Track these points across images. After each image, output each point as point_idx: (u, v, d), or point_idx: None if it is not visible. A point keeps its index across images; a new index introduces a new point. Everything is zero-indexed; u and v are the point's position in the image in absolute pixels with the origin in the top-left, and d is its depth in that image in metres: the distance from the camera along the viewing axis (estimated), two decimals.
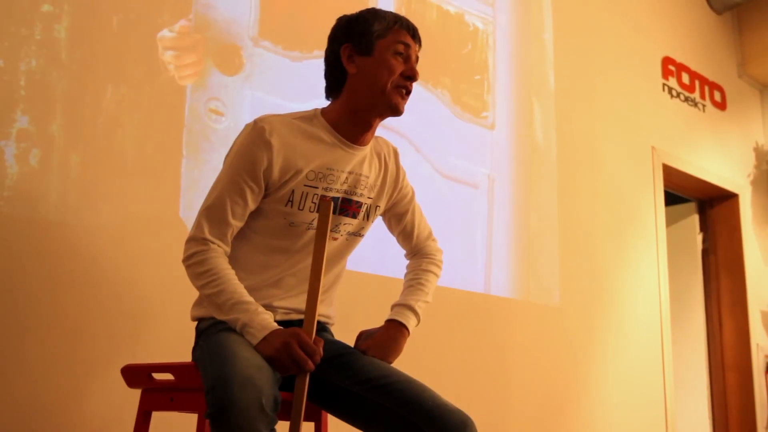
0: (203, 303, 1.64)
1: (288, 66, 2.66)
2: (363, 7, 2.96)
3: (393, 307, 1.76)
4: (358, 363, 1.61)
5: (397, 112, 1.65)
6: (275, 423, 1.32)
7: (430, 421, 1.51)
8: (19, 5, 2.08)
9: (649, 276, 4.18)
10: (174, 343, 1.95)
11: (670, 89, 4.67)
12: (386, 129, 2.98)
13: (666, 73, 4.66)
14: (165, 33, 2.38)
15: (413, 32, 1.69)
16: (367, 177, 1.70)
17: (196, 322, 1.67)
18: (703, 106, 4.93)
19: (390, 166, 1.77)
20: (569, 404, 3.54)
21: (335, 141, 1.65)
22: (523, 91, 3.63)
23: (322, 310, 1.71)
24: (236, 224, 1.59)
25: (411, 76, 1.65)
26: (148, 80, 2.31)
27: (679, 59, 4.78)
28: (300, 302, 1.64)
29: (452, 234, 3.14)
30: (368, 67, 1.64)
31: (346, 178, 1.66)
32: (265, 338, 1.45)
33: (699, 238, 5.04)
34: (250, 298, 1.52)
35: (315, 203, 1.61)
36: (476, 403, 2.99)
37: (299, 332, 1.45)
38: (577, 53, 3.99)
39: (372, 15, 1.68)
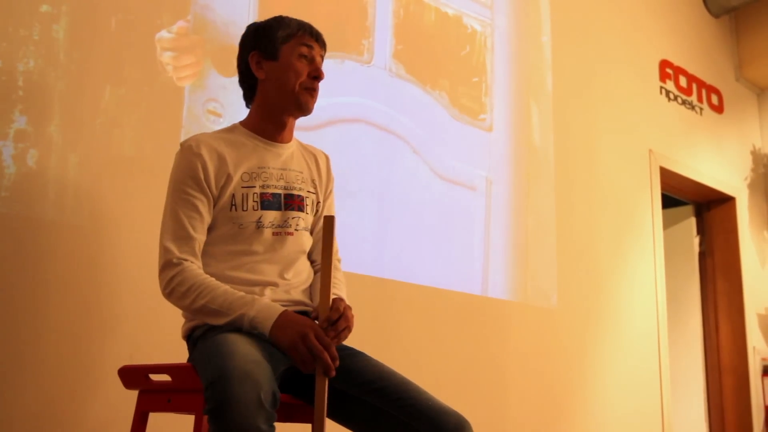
0: (194, 319, 1.65)
1: None
2: (359, 9, 2.99)
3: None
4: (355, 365, 1.62)
5: (306, 110, 1.75)
6: (274, 419, 1.32)
7: (426, 423, 1.52)
8: (18, 5, 2.08)
9: (646, 278, 4.19)
10: (171, 345, 1.94)
11: (668, 92, 4.68)
12: (383, 130, 2.99)
13: (663, 76, 4.67)
14: (163, 34, 2.38)
15: (317, 36, 1.78)
16: (301, 172, 1.78)
17: (187, 337, 1.68)
18: (701, 109, 4.94)
19: (321, 167, 1.86)
20: (566, 407, 3.54)
21: (257, 143, 1.74)
22: (521, 93, 3.64)
23: (306, 298, 1.73)
24: (199, 238, 1.63)
25: (317, 76, 1.74)
26: (146, 81, 2.31)
27: (676, 62, 4.79)
28: (285, 294, 1.67)
29: (450, 236, 3.14)
30: (275, 71, 1.73)
31: (281, 174, 1.73)
32: (277, 325, 1.49)
33: (696, 240, 5.05)
34: (243, 293, 1.56)
35: (257, 201, 1.67)
36: (473, 405, 3.00)
37: (315, 325, 1.49)
38: (574, 56, 4.00)
39: (277, 22, 1.77)
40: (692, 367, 4.88)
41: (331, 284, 1.69)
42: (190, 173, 1.64)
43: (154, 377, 1.62)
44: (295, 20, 1.77)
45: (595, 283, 3.84)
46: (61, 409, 2.00)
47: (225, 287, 1.56)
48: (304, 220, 1.75)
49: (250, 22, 2.60)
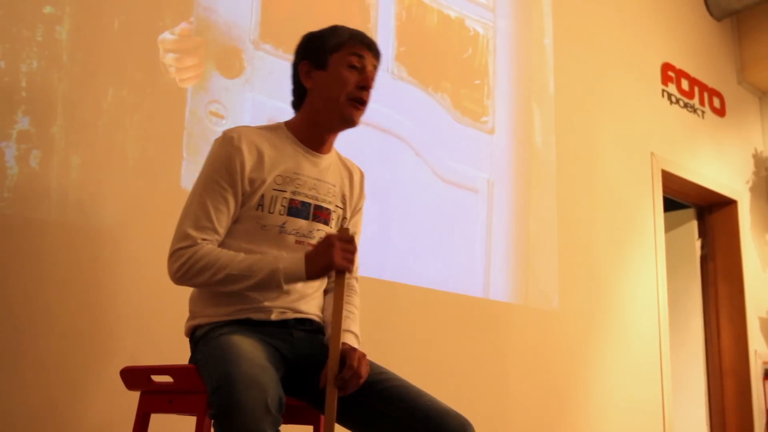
0: (197, 315, 1.65)
1: (288, 69, 2.65)
2: (362, 11, 2.99)
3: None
4: None
5: (351, 123, 1.71)
6: (280, 423, 1.32)
7: (429, 424, 1.51)
8: (21, 7, 2.08)
9: (647, 282, 4.18)
10: (173, 346, 1.94)
11: (670, 95, 4.68)
12: (386, 132, 2.99)
13: (665, 79, 4.67)
14: (166, 35, 2.38)
15: (369, 45, 1.73)
16: (333, 185, 1.76)
17: (190, 335, 1.68)
18: (703, 112, 4.94)
19: (355, 184, 1.83)
20: (568, 409, 3.54)
21: (298, 149, 1.72)
22: (523, 96, 3.64)
23: (313, 309, 1.72)
24: (221, 233, 1.62)
25: (365, 86, 1.69)
26: (149, 82, 2.31)
27: (678, 65, 4.79)
28: (292, 302, 1.66)
29: (451, 238, 3.14)
30: (323, 81, 1.70)
31: (314, 184, 1.71)
32: (308, 265, 1.54)
33: (698, 244, 5.05)
34: (260, 255, 1.58)
35: (284, 206, 1.65)
36: (475, 407, 2.99)
37: (329, 236, 1.55)
38: (577, 59, 4.00)
39: (329, 31, 1.74)
40: (693, 370, 4.88)
41: (345, 318, 1.68)
42: (226, 165, 1.61)
43: (156, 378, 1.62)
44: (348, 29, 1.74)
45: (597, 285, 3.84)
46: (62, 410, 2.00)
47: (241, 254, 1.57)
48: (326, 233, 1.73)
49: (253, 24, 2.62)
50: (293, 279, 1.56)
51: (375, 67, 1.74)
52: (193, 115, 2.39)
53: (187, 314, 1.71)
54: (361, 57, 1.70)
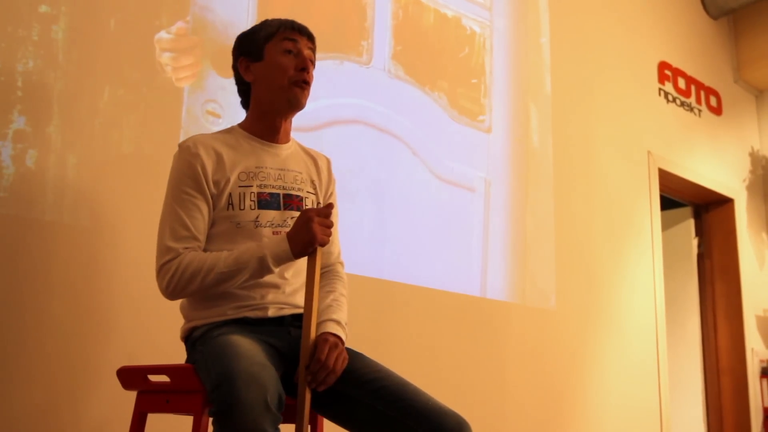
0: (193, 318, 1.65)
1: None
2: (358, 10, 2.99)
3: (319, 324, 1.65)
4: (353, 366, 1.61)
5: (297, 105, 1.74)
6: (280, 421, 1.32)
7: (426, 423, 1.51)
8: (17, 6, 2.08)
9: (644, 280, 4.19)
10: (170, 345, 1.94)
11: (666, 94, 4.68)
12: (382, 131, 2.99)
13: (662, 78, 4.67)
14: (162, 35, 2.38)
15: (300, 29, 1.76)
16: (300, 173, 1.77)
17: (186, 337, 1.68)
18: (699, 110, 4.94)
19: (322, 168, 1.85)
20: (565, 408, 3.54)
21: (254, 144, 1.74)
22: (520, 95, 3.64)
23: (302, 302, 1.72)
24: (201, 239, 1.63)
25: (304, 68, 1.72)
26: (145, 82, 2.31)
27: (675, 64, 4.80)
28: (286, 296, 1.67)
29: (448, 237, 3.14)
30: (263, 71, 1.73)
31: (278, 174, 1.73)
32: (292, 245, 1.56)
33: (694, 242, 5.05)
34: (244, 247, 1.59)
35: (254, 201, 1.67)
36: (473, 406, 2.99)
37: (306, 211, 1.58)
38: (573, 57, 4.00)
39: (260, 25, 1.78)
40: (691, 368, 4.89)
41: (327, 306, 1.68)
42: (189, 173, 1.63)
43: (153, 378, 1.62)
44: (278, 19, 1.77)
45: (594, 284, 3.84)
46: (59, 409, 2.00)
47: (224, 252, 1.58)
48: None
49: (249, 23, 2.62)
50: (282, 260, 1.58)
51: (311, 50, 1.77)
52: (190, 114, 2.39)
53: None
54: (294, 41, 1.74)
